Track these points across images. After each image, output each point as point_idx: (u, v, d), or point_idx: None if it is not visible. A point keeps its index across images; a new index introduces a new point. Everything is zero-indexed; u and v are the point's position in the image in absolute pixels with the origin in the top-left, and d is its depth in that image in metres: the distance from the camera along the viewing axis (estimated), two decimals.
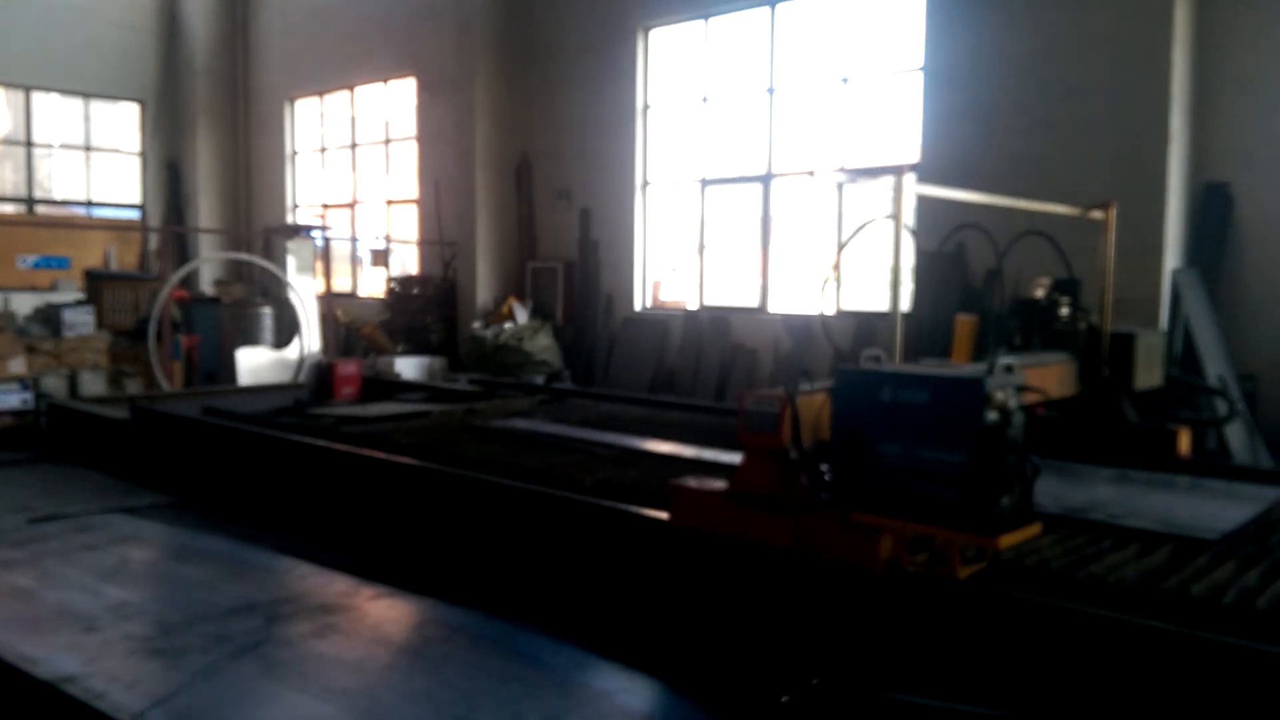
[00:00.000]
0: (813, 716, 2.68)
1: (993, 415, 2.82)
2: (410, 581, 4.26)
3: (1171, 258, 7.04)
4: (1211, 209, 7.12)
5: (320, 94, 15.54)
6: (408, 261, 14.25)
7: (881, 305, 7.94)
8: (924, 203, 7.18)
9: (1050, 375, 4.97)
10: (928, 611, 3.06)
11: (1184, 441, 5.18)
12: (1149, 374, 5.33)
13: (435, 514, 4.74)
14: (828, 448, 3.22)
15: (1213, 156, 7.17)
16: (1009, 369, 2.95)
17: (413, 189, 13.80)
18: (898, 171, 3.76)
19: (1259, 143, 6.99)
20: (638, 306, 11.22)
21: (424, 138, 13.38)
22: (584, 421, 6.35)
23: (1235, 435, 6.48)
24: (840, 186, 9.07)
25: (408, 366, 10.87)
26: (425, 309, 12.69)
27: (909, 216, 8.41)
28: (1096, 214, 5.14)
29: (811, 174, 9.83)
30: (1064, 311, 5.24)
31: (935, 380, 2.92)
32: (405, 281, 13.20)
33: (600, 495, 4.36)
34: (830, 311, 6.56)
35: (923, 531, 3.02)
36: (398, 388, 8.35)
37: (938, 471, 2.88)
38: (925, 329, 8.02)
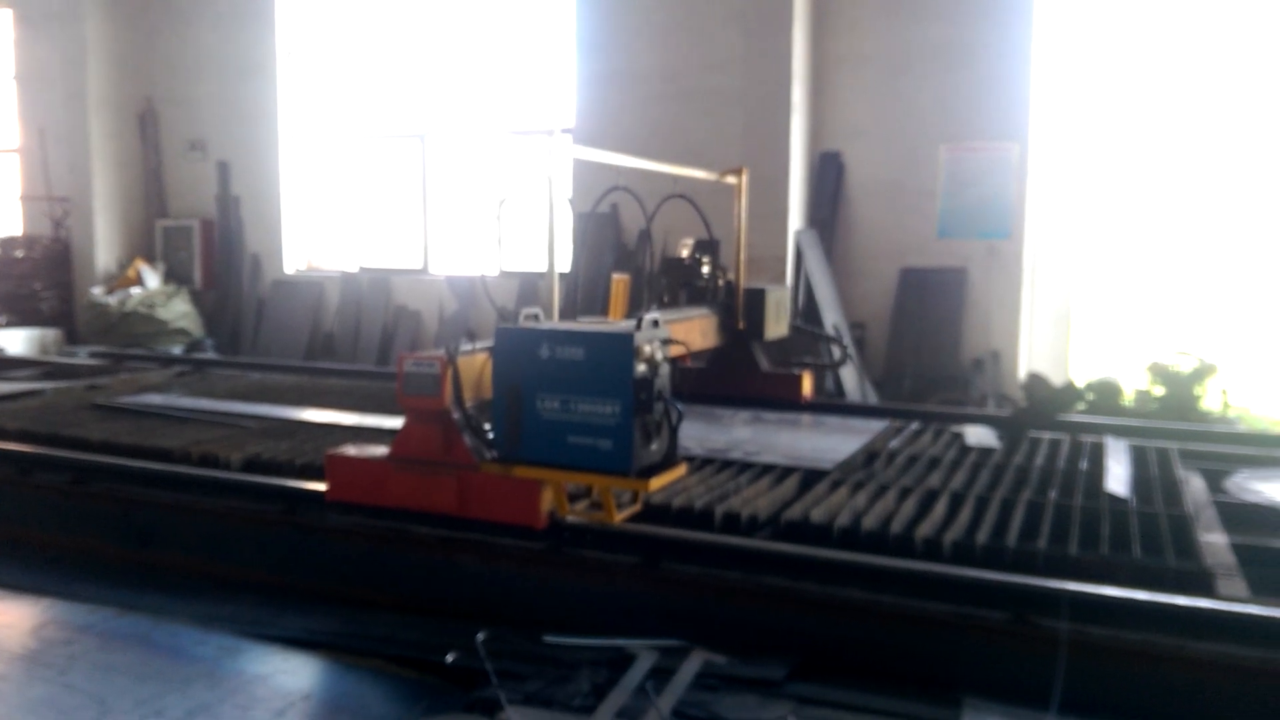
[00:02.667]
0: (480, 671, 2.71)
1: (641, 367, 2.98)
2: (25, 582, 3.75)
3: (795, 219, 7.81)
4: (826, 175, 7.98)
5: None
6: (8, 220, 12.35)
7: (543, 265, 8.09)
8: (580, 165, 7.38)
9: (694, 328, 5.34)
10: (587, 557, 3.20)
11: (807, 384, 5.79)
12: (778, 325, 5.90)
13: (53, 505, 4.20)
14: (491, 406, 3.24)
15: (828, 128, 8.02)
16: (655, 324, 3.12)
17: (13, 137, 11.95)
18: (551, 133, 3.81)
19: (865, 116, 7.91)
20: (289, 268, 10.56)
21: (24, 78, 11.60)
22: (231, 394, 5.90)
23: (848, 377, 7.36)
24: (499, 146, 9.09)
25: (14, 340, 9.49)
26: (33, 274, 11.10)
27: (565, 178, 8.64)
28: (731, 179, 5.56)
29: (470, 131, 9.75)
30: (705, 270, 5.65)
31: (589, 336, 3.02)
32: (6, 243, 11.45)
33: (250, 472, 4.10)
34: (492, 272, 6.58)
35: (581, 481, 3.14)
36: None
37: (593, 423, 3.00)
38: (584, 288, 8.30)
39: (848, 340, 7.43)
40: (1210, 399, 6.53)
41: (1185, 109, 9.82)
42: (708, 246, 5.70)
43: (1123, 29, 8.20)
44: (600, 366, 2.98)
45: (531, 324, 3.23)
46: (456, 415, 3.22)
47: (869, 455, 4.49)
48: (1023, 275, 7.57)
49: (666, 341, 3.14)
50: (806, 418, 5.49)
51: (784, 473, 4.08)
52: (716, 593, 3.05)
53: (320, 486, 3.60)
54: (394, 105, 10.22)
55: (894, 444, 4.72)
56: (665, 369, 3.10)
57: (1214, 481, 4.30)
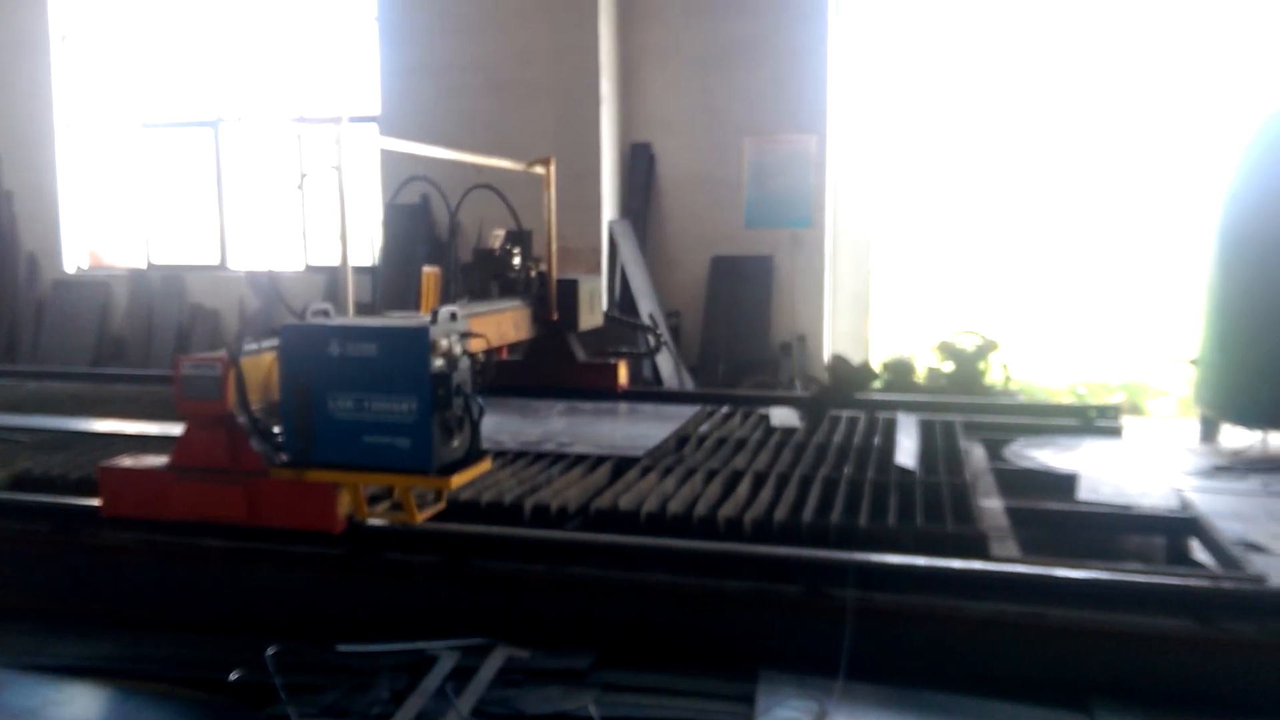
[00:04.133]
0: (272, 687, 2.58)
1: (439, 362, 2.91)
2: None
3: (609, 210, 7.87)
4: (638, 166, 8.07)
5: None
6: None
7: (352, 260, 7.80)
8: (389, 156, 7.16)
9: (506, 320, 5.29)
10: (390, 560, 3.11)
11: (622, 373, 5.85)
12: (592, 315, 5.92)
13: None
14: (280, 409, 3.08)
15: (638, 120, 8.12)
16: (453, 317, 3.05)
17: None
18: (339, 121, 3.67)
19: (674, 109, 8.05)
20: (70, 267, 9.76)
21: None
22: (3, 405, 5.40)
23: (664, 364, 7.49)
24: (299, 136, 8.67)
25: None
26: None
27: (372, 169, 8.36)
28: (539, 169, 5.53)
29: (269, 120, 9.28)
30: (516, 261, 5.60)
31: (382, 332, 2.93)
32: None
33: (18, 490, 3.75)
34: (294, 266, 6.29)
35: (379, 482, 3.04)
36: None
37: (390, 421, 2.91)
38: (396, 282, 8.07)
39: (663, 329, 7.55)
40: (994, 374, 7.02)
41: (973, 101, 10.50)
42: (519, 238, 5.65)
43: (914, 25, 8.69)
44: (394, 363, 2.89)
45: (321, 320, 3.09)
46: (242, 419, 3.05)
47: (680, 440, 4.57)
48: (825, 262, 7.91)
49: (465, 335, 3.08)
50: (622, 406, 5.54)
51: (596, 462, 4.10)
52: (522, 588, 3.03)
53: (95, 502, 3.33)
54: (185, 91, 9.60)
55: (704, 428, 4.83)
56: (465, 363, 3.03)
57: (994, 450, 4.62)
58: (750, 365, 7.78)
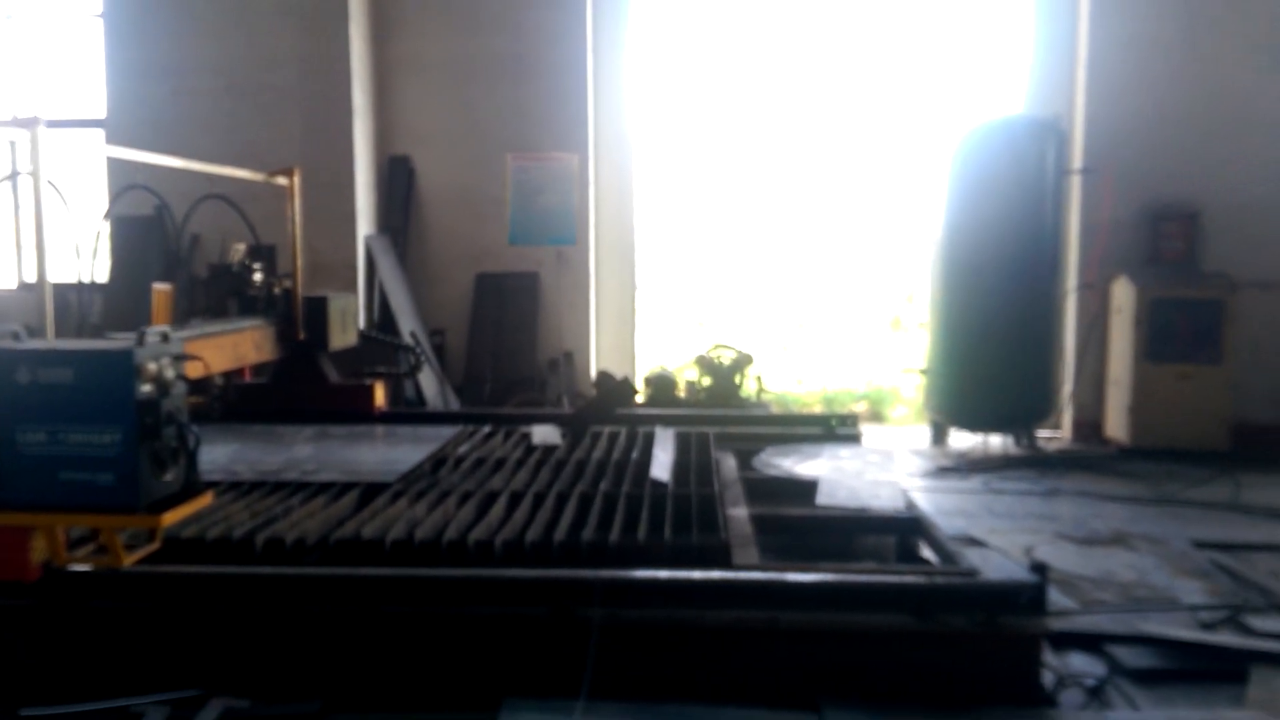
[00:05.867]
0: None
1: (146, 388, 2.64)
2: None
3: (365, 224, 7.57)
4: (396, 179, 7.82)
5: None
6: None
7: (79, 275, 7.07)
8: (118, 164, 6.54)
9: (246, 340, 4.95)
10: (95, 608, 2.79)
11: (379, 394, 5.62)
12: (343, 334, 5.65)
13: None
14: None
15: (395, 132, 7.87)
16: (164, 337, 2.79)
17: None
18: (33, 123, 3.29)
19: (433, 122, 7.87)
20: None
21: None
22: None
23: (428, 384, 7.28)
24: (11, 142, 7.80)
25: None
26: None
27: (102, 177, 7.64)
28: (281, 180, 5.23)
29: None
30: (257, 277, 5.26)
31: (78, 356, 2.63)
32: None
33: None
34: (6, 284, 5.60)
35: (79, 523, 2.72)
36: None
37: (90, 455, 2.61)
38: (128, 301, 7.39)
39: (425, 347, 7.34)
40: (749, 386, 7.31)
41: (723, 125, 10.98)
42: (260, 252, 5.32)
43: (666, 49, 8.96)
44: (94, 390, 2.60)
45: (9, 343, 2.74)
46: None
47: (436, 463, 4.43)
48: (590, 279, 7.97)
49: (180, 358, 2.82)
50: (379, 429, 5.32)
51: (342, 490, 3.89)
52: (246, 630, 2.80)
53: None
54: None
55: (463, 449, 4.71)
56: (179, 388, 2.77)
57: (745, 460, 4.79)
58: (517, 383, 7.71)
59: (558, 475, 4.20)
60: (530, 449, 4.75)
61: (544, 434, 5.01)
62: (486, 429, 5.20)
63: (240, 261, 5.20)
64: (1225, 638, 3.37)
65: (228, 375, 5.11)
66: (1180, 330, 6.74)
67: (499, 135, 7.80)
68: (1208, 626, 3.51)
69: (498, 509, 3.60)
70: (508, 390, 7.63)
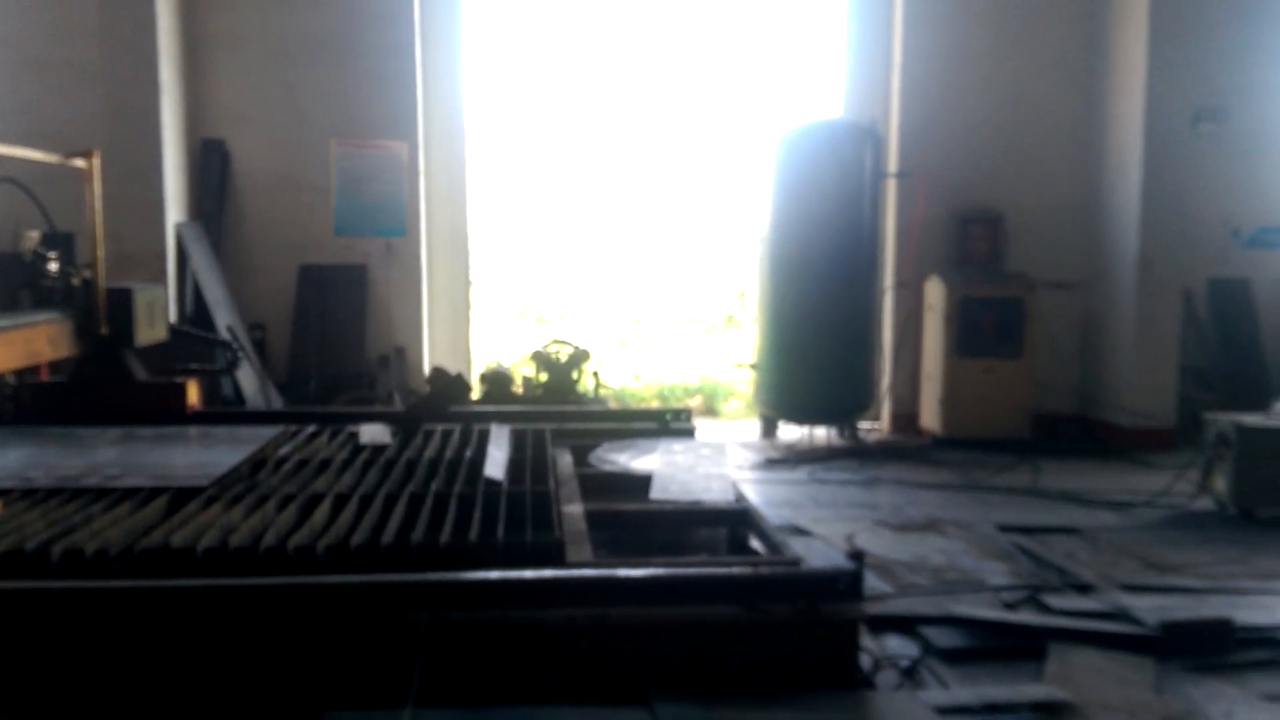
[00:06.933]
0: None
1: None
2: None
3: (175, 211, 7.11)
4: (210, 164, 7.38)
5: None
6: None
7: None
8: None
9: (39, 336, 4.56)
10: None
11: (192, 393, 5.28)
12: (151, 328, 5.29)
13: None
14: None
15: (208, 113, 7.43)
16: None
17: None
18: None
19: (250, 104, 7.47)
20: None
21: None
22: None
23: (247, 381, 6.92)
24: None
25: None
26: None
27: None
28: (79, 162, 4.83)
29: None
30: (53, 267, 4.85)
31: None
32: None
33: None
34: None
35: None
36: None
37: None
38: None
39: (244, 342, 6.98)
40: (587, 381, 7.33)
41: (568, 120, 10.96)
42: (56, 240, 4.91)
43: (511, 38, 8.86)
44: None
45: None
46: None
47: (255, 465, 4.20)
48: (422, 271, 7.78)
49: None
50: (192, 430, 5.00)
51: (150, 495, 3.63)
52: (36, 651, 2.57)
53: None
54: None
55: (285, 450, 4.50)
56: None
57: (581, 456, 4.78)
58: (345, 380, 7.43)
59: (387, 476, 4.06)
60: (358, 449, 4.58)
61: (373, 433, 4.85)
62: (311, 429, 4.98)
63: (33, 250, 4.79)
64: (1026, 616, 3.62)
65: (20, 373, 4.70)
66: (986, 327, 7.20)
67: (322, 119, 7.50)
68: (1010, 606, 3.77)
69: (321, 512, 3.44)
70: (335, 387, 7.36)
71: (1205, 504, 5.37)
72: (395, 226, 7.62)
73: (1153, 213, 7.19)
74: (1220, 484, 5.22)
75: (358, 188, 7.56)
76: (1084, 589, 3.94)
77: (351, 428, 5.00)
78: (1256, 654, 3.32)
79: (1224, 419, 5.30)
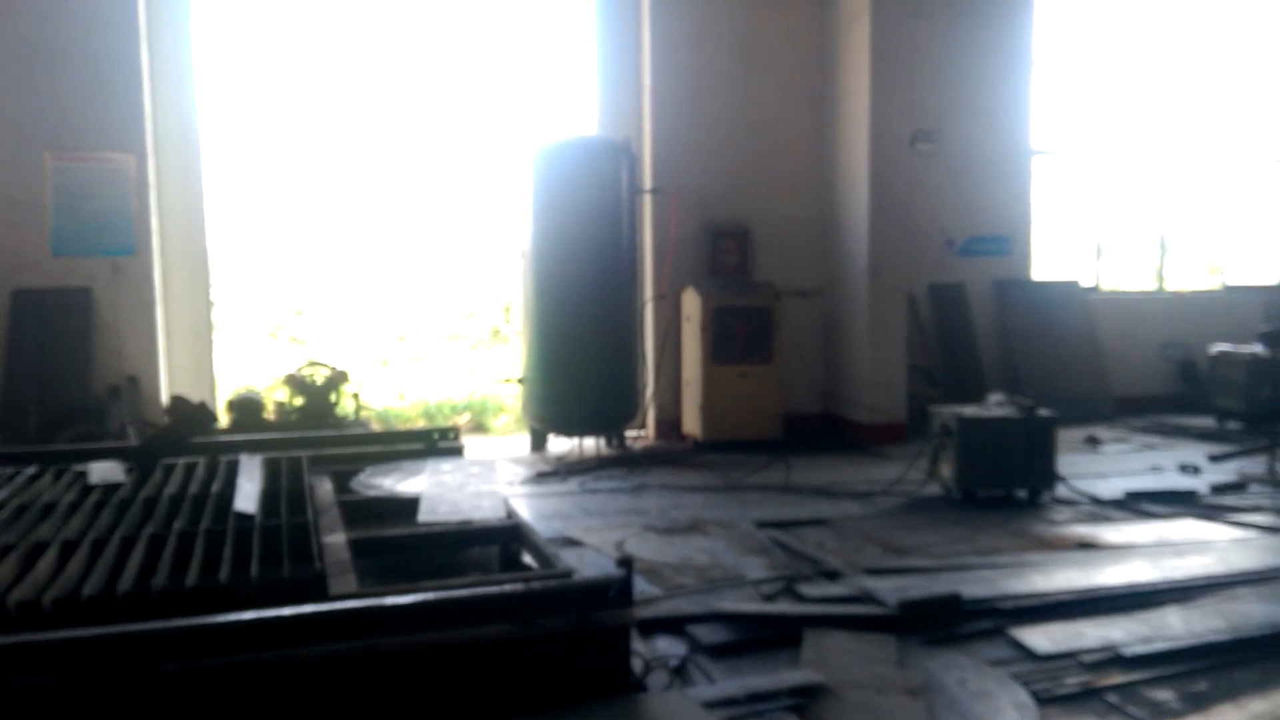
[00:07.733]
0: None
1: None
2: None
3: None
4: None
5: None
6: None
7: None
8: None
9: None
10: None
11: None
12: None
13: None
14: None
15: None
16: None
17: None
18: None
19: None
20: None
21: None
22: None
23: None
24: None
25: None
26: None
27: None
28: None
29: None
30: None
31: None
32: None
33: None
34: None
35: None
36: None
37: None
38: None
39: None
40: (347, 404, 7.05)
41: (317, 130, 10.51)
42: None
43: (250, 45, 8.38)
44: None
45: None
46: None
47: None
48: (155, 293, 7.20)
49: None
50: None
51: None
52: None
53: None
54: None
55: (1, 495, 4.03)
56: None
57: (343, 483, 4.59)
58: (69, 414, 6.74)
59: (122, 517, 3.73)
60: (88, 489, 4.18)
61: (104, 471, 4.44)
62: (31, 470, 4.50)
63: None
64: (782, 606, 3.84)
65: None
66: (738, 335, 7.59)
67: (34, 131, 6.81)
68: (769, 598, 3.98)
69: (47, 561, 3.12)
70: (58, 423, 6.66)
71: (934, 489, 5.91)
72: (122, 245, 7.00)
73: (879, 225, 7.84)
74: (946, 470, 5.76)
75: (78, 204, 6.90)
76: (833, 576, 4.22)
77: (79, 466, 4.55)
78: (982, 624, 3.68)
79: (946, 411, 5.85)
